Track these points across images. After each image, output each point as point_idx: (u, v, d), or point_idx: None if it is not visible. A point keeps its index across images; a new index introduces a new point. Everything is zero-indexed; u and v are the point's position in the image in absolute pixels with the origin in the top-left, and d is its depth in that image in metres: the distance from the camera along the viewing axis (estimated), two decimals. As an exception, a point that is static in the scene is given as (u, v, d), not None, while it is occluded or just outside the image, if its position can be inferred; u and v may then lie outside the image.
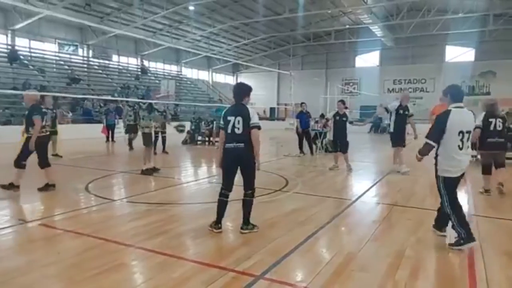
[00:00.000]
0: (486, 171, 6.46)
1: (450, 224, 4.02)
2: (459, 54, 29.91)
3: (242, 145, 4.14)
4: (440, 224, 4.29)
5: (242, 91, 4.32)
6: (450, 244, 3.96)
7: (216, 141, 14.85)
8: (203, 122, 15.74)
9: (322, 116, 13.07)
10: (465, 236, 3.81)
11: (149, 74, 29.44)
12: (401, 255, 3.70)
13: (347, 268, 3.40)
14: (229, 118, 4.21)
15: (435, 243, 4.14)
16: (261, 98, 35.43)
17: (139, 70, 28.83)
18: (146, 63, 29.76)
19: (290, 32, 29.91)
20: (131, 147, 12.42)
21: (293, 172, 8.86)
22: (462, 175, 4.01)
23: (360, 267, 3.46)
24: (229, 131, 4.20)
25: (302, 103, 12.35)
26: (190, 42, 29.15)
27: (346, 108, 9.27)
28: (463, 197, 6.50)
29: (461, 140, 3.85)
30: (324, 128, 12.58)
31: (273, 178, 7.87)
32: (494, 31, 25.54)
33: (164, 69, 31.80)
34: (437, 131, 3.91)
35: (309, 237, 4.16)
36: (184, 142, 15.18)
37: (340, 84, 29.59)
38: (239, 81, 39.22)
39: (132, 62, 29.14)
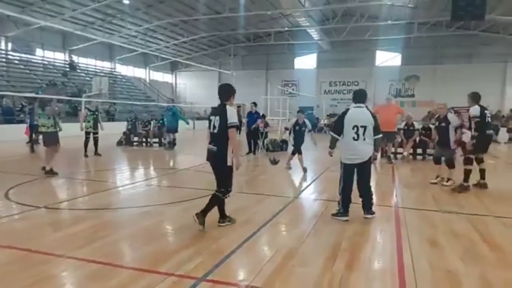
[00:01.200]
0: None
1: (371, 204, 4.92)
2: (387, 58, 32.21)
3: (215, 148, 4.35)
4: (366, 207, 4.91)
5: (226, 91, 4.46)
6: (333, 214, 4.93)
7: (154, 142, 14.43)
8: (139, 122, 15.07)
9: (263, 116, 13.26)
10: (342, 212, 4.85)
11: (79, 71, 27.52)
12: (337, 248, 3.87)
13: (288, 264, 3.47)
14: (211, 117, 4.43)
15: (368, 234, 4.41)
16: (201, 97, 35.00)
17: (67, 66, 26.82)
18: (75, 58, 27.76)
19: (230, 31, 29.92)
20: (32, 150, 11.73)
21: (235, 171, 8.84)
22: (363, 164, 4.78)
23: (300, 262, 3.55)
24: (210, 130, 4.42)
25: (253, 103, 12.64)
26: (125, 38, 27.81)
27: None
28: (391, 192, 7.01)
29: (356, 133, 4.72)
30: (265, 128, 12.77)
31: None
32: (418, 38, 27.87)
33: (96, 66, 29.96)
34: (337, 126, 4.90)
35: (251, 236, 4.18)
36: (119, 143, 14.44)
37: (280, 85, 30.29)
38: (178, 79, 38.46)
39: (59, 57, 27.01)
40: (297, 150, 9.11)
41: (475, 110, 6.62)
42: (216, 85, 35.72)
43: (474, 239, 4.26)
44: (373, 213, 4.92)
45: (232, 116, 4.26)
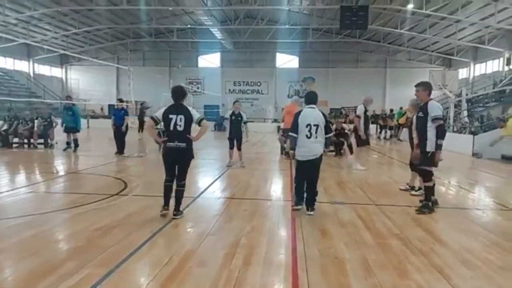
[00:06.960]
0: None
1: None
2: (287, 61, 34.04)
3: (184, 145, 4.68)
4: (310, 204, 5.21)
5: (183, 93, 4.84)
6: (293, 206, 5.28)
7: (38, 143, 12.90)
8: (19, 121, 13.15)
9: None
10: (296, 201, 5.26)
11: None
12: (236, 245, 3.90)
13: (185, 266, 3.38)
14: (170, 116, 4.65)
15: (266, 229, 4.54)
16: (97, 94, 32.33)
17: None
18: None
19: (130, 25, 28.23)
20: None
21: (133, 173, 8.38)
22: (315, 160, 5.15)
23: (198, 262, 3.49)
24: (171, 128, 4.66)
25: (119, 99, 12.68)
26: (2, 26, 24.20)
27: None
28: (288, 187, 7.37)
29: (309, 131, 5.11)
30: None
31: (110, 182, 7.27)
32: (313, 43, 30.09)
33: (-37, 55, 25.48)
34: (294, 125, 5.20)
35: (147, 241, 3.97)
36: (-6, 146, 12.48)
37: (184, 83, 29.69)
38: (69, 74, 34.98)
39: None
40: (234, 144, 9.32)
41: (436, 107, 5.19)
42: (114, 81, 34.06)
43: (358, 226, 4.70)
44: (314, 209, 5.19)
45: (196, 112, 4.80)
